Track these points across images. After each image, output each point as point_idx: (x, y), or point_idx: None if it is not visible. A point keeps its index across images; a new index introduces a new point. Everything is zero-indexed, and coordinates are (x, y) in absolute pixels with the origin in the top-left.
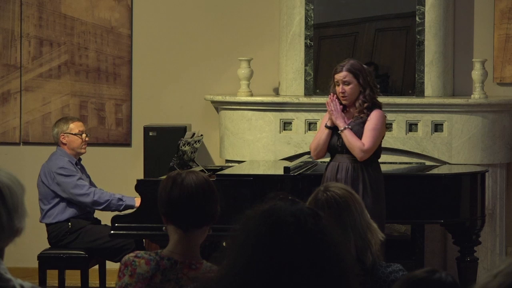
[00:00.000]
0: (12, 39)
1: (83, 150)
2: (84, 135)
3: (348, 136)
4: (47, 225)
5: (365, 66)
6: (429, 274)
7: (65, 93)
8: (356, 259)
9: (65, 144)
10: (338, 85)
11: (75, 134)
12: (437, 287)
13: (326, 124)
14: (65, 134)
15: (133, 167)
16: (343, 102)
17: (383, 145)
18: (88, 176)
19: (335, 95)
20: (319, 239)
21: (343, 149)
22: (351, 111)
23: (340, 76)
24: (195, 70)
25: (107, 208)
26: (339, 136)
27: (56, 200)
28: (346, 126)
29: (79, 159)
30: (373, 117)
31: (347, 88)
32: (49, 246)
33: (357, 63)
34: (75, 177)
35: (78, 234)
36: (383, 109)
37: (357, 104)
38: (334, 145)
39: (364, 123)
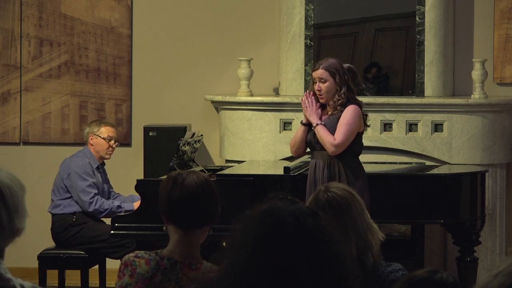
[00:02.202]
0: (12, 39)
1: (107, 156)
2: (112, 141)
3: (320, 132)
4: (53, 215)
5: (347, 65)
6: (431, 274)
7: (65, 93)
8: (357, 260)
9: (92, 145)
10: (315, 83)
11: (103, 138)
12: (438, 287)
13: (302, 121)
14: (94, 136)
15: (133, 167)
16: (320, 100)
17: (382, 145)
18: (108, 181)
19: (311, 92)
20: (318, 239)
21: (320, 145)
22: (327, 109)
23: (317, 73)
24: (195, 70)
25: (107, 216)
26: (315, 133)
27: (67, 195)
28: (319, 123)
29: (103, 163)
30: (346, 112)
31: (323, 86)
32: (52, 237)
33: (335, 62)
34: (86, 181)
35: (80, 228)
36: (364, 108)
37: (331, 102)
38: (310, 141)
39: (338, 119)
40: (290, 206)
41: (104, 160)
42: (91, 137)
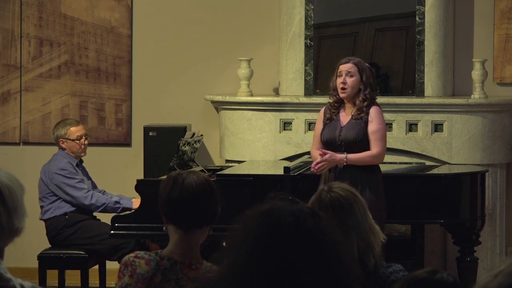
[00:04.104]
0: (12, 39)
1: (83, 154)
2: (83, 139)
3: (355, 160)
4: (45, 220)
5: (367, 65)
6: (430, 274)
7: (65, 93)
8: (359, 261)
9: (65, 148)
10: (341, 76)
11: (73, 140)
12: (438, 287)
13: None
14: (63, 139)
15: (133, 167)
16: (342, 94)
17: None
18: (89, 178)
19: (313, 163)
20: (319, 239)
21: (344, 147)
22: (348, 107)
23: (346, 67)
24: (195, 70)
25: (104, 211)
26: (340, 131)
27: (55, 198)
28: (345, 157)
29: (81, 161)
30: (374, 117)
31: (349, 80)
32: (48, 241)
33: (363, 61)
34: (74, 179)
35: (76, 228)
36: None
37: (357, 102)
38: (332, 141)
39: (365, 122)
40: (291, 206)
41: (90, 158)
42: (61, 141)
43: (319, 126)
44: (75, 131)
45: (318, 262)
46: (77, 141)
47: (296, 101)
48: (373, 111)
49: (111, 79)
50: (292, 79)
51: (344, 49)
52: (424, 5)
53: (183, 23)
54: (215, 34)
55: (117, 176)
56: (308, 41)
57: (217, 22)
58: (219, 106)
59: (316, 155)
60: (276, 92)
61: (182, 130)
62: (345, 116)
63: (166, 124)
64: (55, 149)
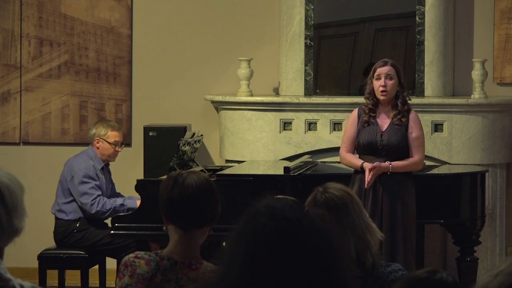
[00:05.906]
0: (12, 39)
1: (112, 159)
2: (118, 145)
3: (399, 168)
4: (57, 219)
5: None
6: (430, 274)
7: (65, 93)
8: (356, 260)
9: (98, 148)
10: (379, 79)
11: (110, 143)
12: (438, 287)
13: (363, 165)
14: (100, 139)
15: (133, 167)
16: (382, 97)
17: None
18: (111, 182)
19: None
20: (296, 226)
21: (385, 152)
22: (385, 110)
23: (384, 69)
24: (195, 70)
25: (111, 215)
26: (381, 136)
27: (71, 198)
28: (390, 165)
29: (107, 164)
30: (416, 123)
31: (389, 82)
32: (54, 239)
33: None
34: (89, 184)
35: (84, 233)
36: None
37: (399, 105)
38: (374, 144)
39: (405, 127)
40: (269, 200)
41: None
42: (97, 140)
43: (351, 128)
44: (115, 135)
45: (299, 250)
46: (113, 146)
47: (296, 101)
48: (413, 116)
49: (111, 79)
50: (292, 79)
51: (344, 49)
52: (424, 5)
53: (183, 23)
54: (215, 34)
55: (117, 176)
56: (308, 41)
57: (217, 22)
58: (219, 106)
59: (349, 158)
60: (276, 92)
61: (182, 130)
62: (383, 120)
63: (166, 124)
64: (55, 149)
